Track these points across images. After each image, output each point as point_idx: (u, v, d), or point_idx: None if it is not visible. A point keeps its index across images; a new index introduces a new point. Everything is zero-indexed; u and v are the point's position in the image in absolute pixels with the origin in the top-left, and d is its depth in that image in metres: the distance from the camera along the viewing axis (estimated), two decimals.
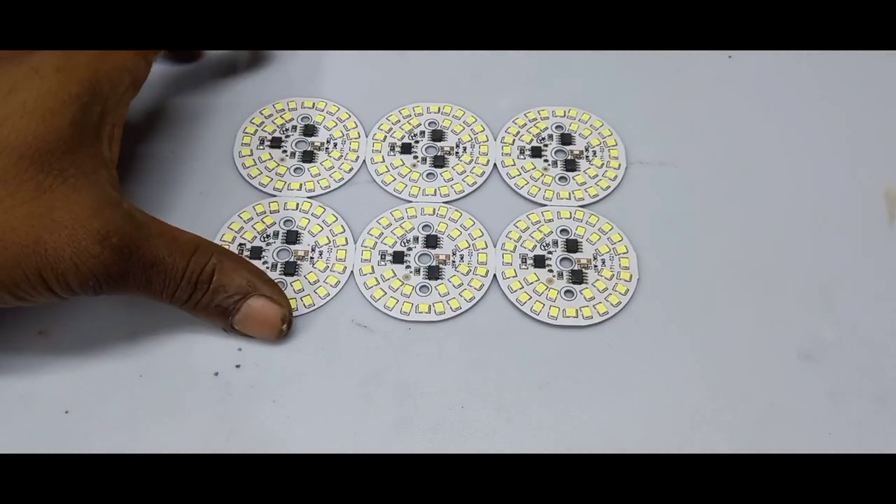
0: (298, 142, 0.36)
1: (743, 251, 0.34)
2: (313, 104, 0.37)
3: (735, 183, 0.35)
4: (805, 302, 0.33)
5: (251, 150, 0.36)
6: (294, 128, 0.37)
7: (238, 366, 0.31)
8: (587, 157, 0.36)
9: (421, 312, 0.32)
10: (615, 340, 0.32)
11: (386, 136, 0.37)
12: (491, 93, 0.38)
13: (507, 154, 0.36)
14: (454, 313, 0.32)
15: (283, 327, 0.31)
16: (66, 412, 0.30)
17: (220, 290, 0.30)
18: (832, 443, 0.30)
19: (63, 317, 0.32)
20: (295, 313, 0.32)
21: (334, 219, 0.34)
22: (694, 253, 0.34)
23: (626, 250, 0.33)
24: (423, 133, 0.37)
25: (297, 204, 0.35)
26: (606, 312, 0.32)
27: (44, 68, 0.28)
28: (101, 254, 0.27)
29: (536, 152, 0.36)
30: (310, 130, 0.37)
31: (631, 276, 0.33)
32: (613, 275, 0.33)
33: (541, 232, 0.34)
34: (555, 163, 0.36)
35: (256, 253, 0.33)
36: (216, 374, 0.31)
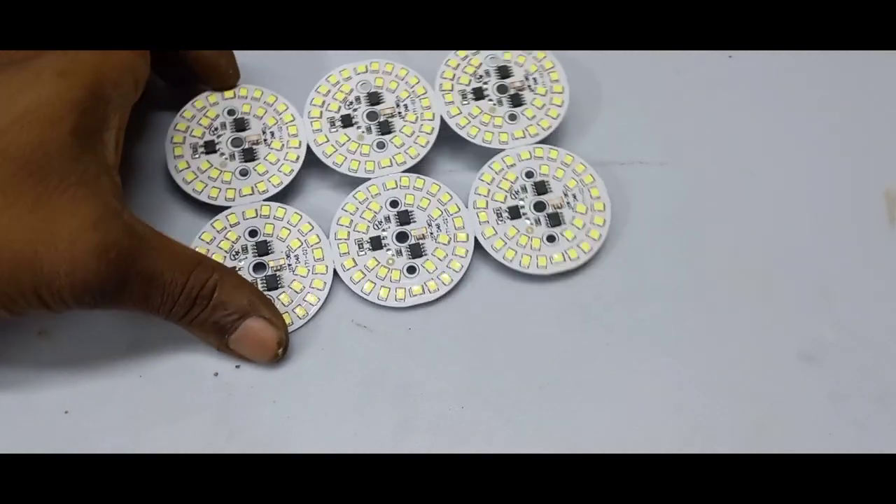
0: (233, 139, 0.34)
1: (743, 251, 0.34)
2: (234, 94, 0.35)
3: (735, 183, 0.35)
4: (805, 302, 0.33)
5: (187, 162, 0.33)
6: (223, 125, 0.34)
7: (238, 366, 0.31)
8: (529, 86, 0.35)
9: (416, 296, 0.32)
10: (611, 338, 0.32)
11: (322, 112, 0.34)
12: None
13: (450, 102, 0.35)
14: (448, 287, 0.32)
15: (279, 351, 0.30)
16: (66, 412, 0.30)
17: (221, 307, 0.29)
18: (832, 443, 0.30)
19: (63, 317, 0.31)
20: (292, 327, 0.31)
21: (298, 217, 0.33)
22: (694, 253, 0.34)
23: (592, 180, 0.34)
24: (358, 99, 0.35)
25: (256, 210, 0.33)
26: (591, 249, 0.33)
27: (46, 73, 0.27)
28: (98, 268, 0.26)
29: (479, 94, 0.35)
30: (241, 124, 0.34)
31: (604, 205, 0.33)
32: (587, 208, 0.33)
33: (507, 180, 0.34)
34: (500, 101, 0.35)
35: None
36: (216, 374, 0.31)
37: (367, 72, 0.35)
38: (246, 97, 0.35)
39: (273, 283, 0.32)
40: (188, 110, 0.34)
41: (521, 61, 0.35)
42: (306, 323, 0.32)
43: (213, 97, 0.35)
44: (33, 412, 0.30)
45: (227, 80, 0.35)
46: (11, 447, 0.29)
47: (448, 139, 0.35)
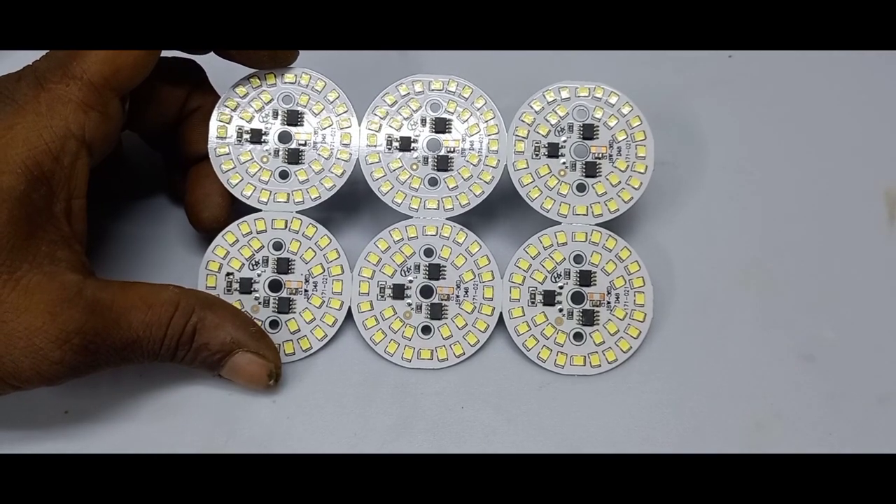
0: (281, 133, 0.31)
1: (743, 251, 0.34)
2: (295, 78, 0.31)
3: (734, 183, 0.35)
4: (805, 302, 0.33)
5: (229, 147, 0.31)
6: (275, 113, 0.31)
7: None
8: (610, 156, 0.32)
9: (423, 359, 0.31)
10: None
11: (381, 125, 0.31)
12: (488, 93, 0.38)
13: (520, 153, 0.31)
14: (457, 360, 0.31)
15: (271, 383, 0.29)
16: (66, 412, 0.30)
17: (203, 349, 0.28)
18: (832, 443, 0.30)
19: None
20: (292, 358, 0.31)
21: (328, 241, 0.31)
22: (693, 253, 0.34)
23: (642, 283, 0.31)
24: (423, 121, 0.32)
25: (286, 222, 0.31)
26: (616, 360, 0.31)
27: None
28: (62, 358, 0.25)
29: (553, 150, 0.31)
30: (294, 117, 0.31)
31: (645, 316, 0.31)
32: (626, 314, 0.31)
33: (552, 260, 0.31)
34: (573, 165, 0.31)
35: (246, 286, 0.31)
36: (215, 377, 0.31)
37: (442, 90, 0.32)
38: (306, 86, 0.32)
39: (285, 307, 0.31)
40: (241, 87, 0.31)
41: (612, 123, 0.32)
42: (307, 357, 0.31)
43: (272, 78, 0.32)
44: (33, 412, 0.30)
45: (271, 59, 0.31)
46: (11, 447, 0.29)
47: (506, 191, 0.32)
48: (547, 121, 0.32)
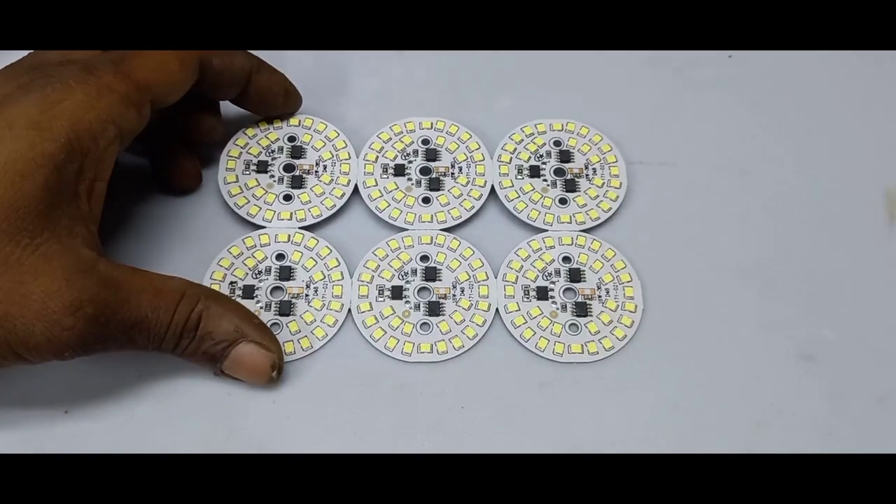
0: (286, 165, 0.34)
1: (743, 251, 0.34)
2: (299, 122, 0.35)
3: (734, 183, 0.35)
4: (805, 302, 0.33)
5: (237, 176, 0.34)
6: (280, 149, 0.35)
7: None
8: (587, 175, 0.35)
9: (423, 353, 0.31)
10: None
11: (378, 157, 0.35)
12: (487, 95, 0.38)
13: (504, 174, 0.35)
14: (457, 352, 0.31)
15: (274, 374, 0.29)
16: (66, 412, 0.30)
17: (207, 338, 0.28)
18: (832, 443, 0.30)
19: None
20: (293, 357, 0.31)
21: (328, 251, 0.33)
22: (693, 253, 0.34)
23: (629, 278, 0.33)
24: (416, 152, 0.35)
25: (289, 236, 0.33)
26: (612, 347, 0.31)
27: (17, 124, 0.26)
28: (74, 325, 0.26)
29: (535, 171, 0.35)
30: (297, 152, 0.35)
31: (636, 307, 0.32)
32: (618, 306, 0.32)
33: (542, 261, 0.33)
34: (554, 183, 0.34)
35: (249, 292, 0.32)
36: (216, 373, 0.31)
37: (431, 128, 0.36)
38: (309, 128, 0.35)
39: (286, 309, 0.32)
40: (251, 128, 0.35)
41: (585, 150, 0.35)
42: (308, 356, 0.31)
43: (279, 121, 0.36)
44: (33, 412, 0.30)
45: (283, 106, 0.35)
46: (11, 447, 0.29)
47: (494, 207, 0.35)
48: (526, 149, 0.35)
